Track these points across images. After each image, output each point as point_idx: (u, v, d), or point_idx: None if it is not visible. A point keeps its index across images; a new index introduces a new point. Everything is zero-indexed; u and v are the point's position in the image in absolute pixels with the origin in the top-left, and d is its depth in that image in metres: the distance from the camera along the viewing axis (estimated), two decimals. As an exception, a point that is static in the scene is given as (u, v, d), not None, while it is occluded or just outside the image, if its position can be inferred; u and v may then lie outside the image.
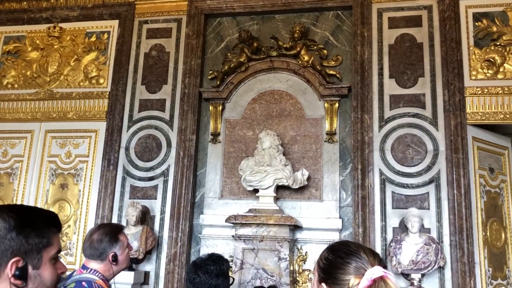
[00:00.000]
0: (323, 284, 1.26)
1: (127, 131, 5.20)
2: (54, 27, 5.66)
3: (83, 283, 2.15)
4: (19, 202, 5.20)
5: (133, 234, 4.59)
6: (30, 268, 1.16)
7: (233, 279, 2.30)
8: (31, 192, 5.24)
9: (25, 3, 5.81)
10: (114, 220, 4.94)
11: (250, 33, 5.09)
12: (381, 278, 1.17)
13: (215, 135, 5.07)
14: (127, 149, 5.15)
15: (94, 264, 2.34)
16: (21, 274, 1.13)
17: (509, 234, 4.58)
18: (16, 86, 5.62)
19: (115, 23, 5.53)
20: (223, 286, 2.09)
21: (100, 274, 2.31)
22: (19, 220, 1.16)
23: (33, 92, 5.53)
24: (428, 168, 4.42)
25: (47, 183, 5.26)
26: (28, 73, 5.63)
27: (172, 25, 5.39)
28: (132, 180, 5.06)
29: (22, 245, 1.14)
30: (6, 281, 1.11)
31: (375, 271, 1.18)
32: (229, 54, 5.22)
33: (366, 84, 4.71)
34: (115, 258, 2.32)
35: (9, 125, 5.48)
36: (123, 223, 4.83)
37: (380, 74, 4.72)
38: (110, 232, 2.43)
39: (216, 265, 2.15)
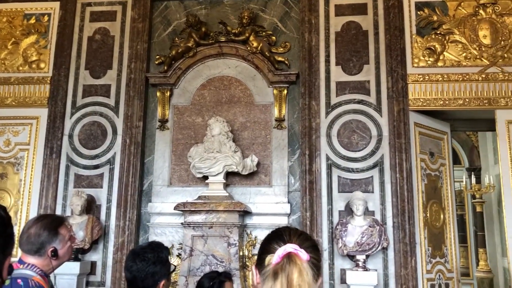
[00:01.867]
0: (253, 267, 1.28)
1: (71, 117, 5.01)
2: (-11, 7, 5.33)
3: (19, 280, 2.04)
4: (-47, 194, 4.91)
5: (78, 224, 4.46)
6: None
7: (174, 266, 2.27)
8: (-33, 182, 4.96)
9: (-44, -19, 5.43)
10: (58, 210, 4.77)
11: (198, 18, 5.02)
12: (289, 255, 1.19)
13: (163, 121, 4.99)
14: (70, 136, 4.97)
15: (31, 259, 2.22)
16: None
17: (447, 215, 4.82)
18: None
19: (56, 5, 5.27)
20: (161, 273, 2.06)
21: (38, 269, 2.19)
22: None
23: (-33, 77, 5.20)
24: (372, 153, 4.56)
25: (-16, 173, 5.00)
26: (-39, 56, 5.29)
27: (116, 8, 5.21)
28: (77, 169, 4.90)
29: None
30: None
31: (286, 248, 1.20)
32: (176, 39, 5.12)
33: (314, 71, 4.77)
34: (54, 253, 2.20)
35: None
36: (68, 213, 4.68)
37: (327, 61, 4.79)
38: (49, 225, 2.29)
39: (154, 253, 2.11)
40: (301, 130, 4.71)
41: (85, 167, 4.88)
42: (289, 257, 1.19)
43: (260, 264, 1.25)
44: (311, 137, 4.63)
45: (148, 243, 2.30)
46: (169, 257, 2.11)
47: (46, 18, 5.29)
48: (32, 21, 5.29)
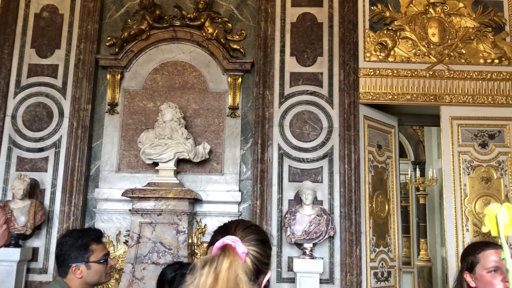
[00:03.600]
0: None
1: (14, 98, 4.77)
2: None
3: None
4: None
5: (20, 209, 4.29)
6: None
7: (105, 254, 2.22)
8: None
9: None
10: (-2, 194, 4.56)
11: (152, 0, 4.88)
12: (225, 247, 1.17)
13: (113, 105, 4.85)
14: (13, 117, 4.74)
15: None
16: None
17: (392, 206, 5.00)
18: None
19: (0, -23, 4.98)
20: (73, 257, 2.03)
21: None
22: None
23: None
24: (323, 143, 4.64)
25: None
26: None
27: (66, -15, 4.99)
28: (20, 151, 4.68)
29: None
30: None
31: (224, 240, 1.19)
32: (129, 21, 4.97)
33: (269, 60, 4.77)
34: None
35: None
36: (9, 197, 4.49)
37: (282, 51, 4.81)
38: None
39: (74, 235, 2.11)
40: (254, 119, 4.71)
41: (29, 150, 4.68)
42: (224, 249, 1.16)
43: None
44: (264, 126, 4.65)
45: (83, 228, 2.30)
46: (93, 244, 2.07)
47: (-12, -9, 4.99)
48: (-26, -7, 4.98)
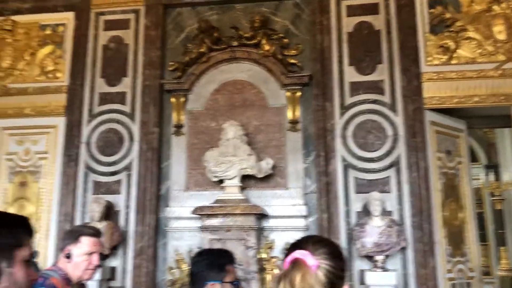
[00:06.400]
0: None
1: (87, 125, 5.08)
2: (6, 20, 5.44)
3: (40, 278, 2.12)
4: (-24, 203, 5.01)
5: (98, 230, 4.52)
6: (3, 265, 1.18)
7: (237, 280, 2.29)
8: (-12, 192, 5.06)
9: (-27, -5, 5.56)
10: (78, 217, 4.85)
11: (210, 23, 5.06)
12: (295, 260, 1.21)
13: (178, 127, 5.03)
14: (88, 144, 5.04)
15: (60, 262, 2.33)
16: None
17: (466, 213, 4.77)
18: (-33, 82, 5.39)
19: (71, 15, 5.36)
20: (210, 276, 2.13)
21: (62, 272, 2.26)
22: None
23: (-14, 88, 5.31)
24: (388, 152, 4.53)
25: (5, 181, 5.10)
26: (-20, 68, 5.40)
27: (130, 16, 5.28)
28: (95, 176, 4.96)
29: None
30: None
31: (294, 254, 1.23)
32: (189, 45, 5.16)
33: (327, 72, 4.77)
34: (68, 256, 2.29)
35: (-38, 124, 5.25)
36: (87, 219, 4.75)
37: (340, 62, 4.79)
38: (72, 231, 2.47)
39: (210, 256, 2.26)
40: (315, 131, 4.70)
41: (103, 174, 4.95)
42: (295, 263, 1.21)
43: None
44: (326, 138, 4.63)
45: (218, 249, 2.53)
46: (229, 266, 2.18)
47: (61, 28, 5.38)
48: (48, 31, 5.39)
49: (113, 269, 4.70)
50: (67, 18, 5.38)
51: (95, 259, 2.34)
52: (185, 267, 4.60)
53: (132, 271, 4.65)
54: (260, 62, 5.01)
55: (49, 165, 5.05)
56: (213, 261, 2.17)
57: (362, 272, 4.31)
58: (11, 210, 4.84)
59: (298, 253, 1.22)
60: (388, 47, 4.75)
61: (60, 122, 5.11)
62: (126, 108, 5.07)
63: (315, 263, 1.20)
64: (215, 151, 4.67)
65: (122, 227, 4.78)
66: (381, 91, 4.67)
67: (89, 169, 4.98)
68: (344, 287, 1.26)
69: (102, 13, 5.33)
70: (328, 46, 4.82)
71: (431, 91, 4.58)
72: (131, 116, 5.04)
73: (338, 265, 1.26)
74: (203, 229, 4.43)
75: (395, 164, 4.50)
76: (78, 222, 4.81)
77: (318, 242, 1.29)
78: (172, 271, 4.69)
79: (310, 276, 1.17)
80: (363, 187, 4.51)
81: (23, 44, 5.41)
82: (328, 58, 4.79)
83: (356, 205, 4.49)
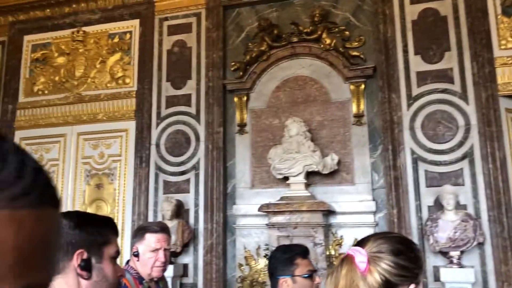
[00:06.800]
0: None
1: (156, 128, 5.28)
2: (78, 31, 5.78)
3: None
4: (58, 204, 5.36)
5: (170, 228, 4.69)
6: (93, 261, 1.28)
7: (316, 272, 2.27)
8: (68, 194, 5.40)
9: (48, 10, 5.94)
10: (150, 216, 5.05)
11: (270, 21, 5.07)
12: (345, 257, 1.21)
13: (242, 125, 5.10)
14: (157, 145, 5.24)
15: (131, 261, 2.34)
16: (86, 265, 1.25)
17: (550, 206, 4.44)
18: (46, 92, 5.78)
19: (136, 22, 5.60)
20: (280, 270, 2.15)
21: (134, 271, 2.28)
22: (81, 219, 1.32)
23: (62, 97, 5.67)
24: (461, 143, 4.32)
25: (83, 184, 5.42)
26: (57, 78, 5.78)
27: (191, 20, 5.41)
28: (165, 176, 5.15)
29: (85, 240, 1.27)
30: (73, 272, 1.24)
31: (348, 250, 1.23)
32: (250, 44, 5.21)
33: (391, 62, 4.62)
34: (136, 253, 2.29)
35: (43, 131, 5.64)
36: (159, 218, 4.93)
37: (405, 51, 4.63)
38: (138, 230, 2.44)
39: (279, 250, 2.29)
40: (382, 125, 4.58)
41: (172, 174, 5.12)
42: (344, 259, 1.21)
43: None
44: (393, 131, 4.49)
45: (290, 244, 2.58)
46: (298, 259, 2.20)
47: (128, 36, 5.63)
48: (116, 40, 5.66)
49: (185, 266, 4.86)
50: (133, 25, 5.62)
51: (162, 255, 2.28)
52: (254, 264, 4.66)
53: (203, 267, 4.78)
54: (321, 56, 4.96)
55: (122, 167, 5.31)
56: (281, 256, 2.18)
57: (436, 268, 4.15)
58: (89, 211, 5.14)
59: (351, 250, 1.21)
60: (456, 33, 4.52)
61: (131, 126, 5.35)
62: (192, 110, 5.21)
63: (362, 260, 1.16)
64: (278, 148, 4.69)
65: (192, 225, 4.92)
66: (450, 80, 4.46)
67: (159, 169, 5.17)
68: (407, 285, 1.18)
69: (166, 19, 5.51)
70: (392, 35, 4.67)
71: (505, 76, 4.30)
72: (196, 117, 5.17)
73: (397, 263, 1.17)
74: (270, 226, 4.46)
75: (468, 156, 4.28)
76: (151, 221, 5.01)
77: (380, 238, 1.24)
78: (242, 267, 4.77)
79: (354, 272, 1.15)
80: (434, 180, 4.33)
81: (94, 53, 5.72)
82: (392, 48, 4.65)
83: (428, 199, 4.32)
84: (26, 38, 5.99)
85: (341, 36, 4.93)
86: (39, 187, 0.42)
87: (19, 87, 5.87)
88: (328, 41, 4.87)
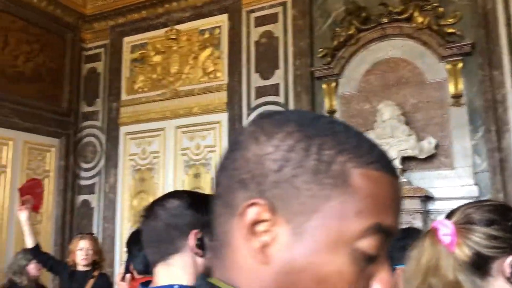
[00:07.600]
0: None
1: (247, 118, 5.42)
2: (171, 30, 6.09)
3: None
4: (160, 194, 5.75)
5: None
6: (206, 241, 1.31)
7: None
8: (169, 184, 5.76)
9: (143, 12, 6.32)
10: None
11: (357, 4, 4.94)
12: (429, 230, 1.12)
13: (331, 112, 5.04)
14: (250, 137, 5.36)
15: None
16: (201, 244, 1.28)
17: None
18: (145, 89, 6.18)
19: (225, 17, 5.77)
20: None
21: None
22: (194, 199, 1.35)
23: (160, 93, 6.03)
24: None
25: (182, 174, 5.74)
26: (154, 76, 6.15)
27: (278, 9, 5.45)
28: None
29: (199, 220, 1.29)
30: (189, 251, 1.27)
31: (433, 223, 1.13)
32: (337, 29, 5.12)
33: (492, 37, 4.29)
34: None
35: (144, 126, 6.05)
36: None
37: (508, 24, 4.27)
38: None
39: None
40: (483, 104, 4.29)
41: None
42: (427, 233, 1.13)
43: None
44: (497, 110, 4.18)
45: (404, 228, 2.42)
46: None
47: (217, 31, 5.82)
48: (206, 35, 5.88)
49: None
50: (222, 20, 5.80)
51: None
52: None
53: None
54: (414, 36, 4.73)
55: (217, 157, 5.54)
56: (395, 243, 2.10)
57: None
58: (189, 199, 5.44)
59: (436, 222, 1.11)
60: None
61: (223, 117, 5.55)
62: (280, 99, 5.27)
63: (446, 232, 1.06)
64: (371, 133, 4.58)
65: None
66: (563, 51, 4.04)
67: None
68: (509, 257, 1.05)
69: (252, 11, 5.61)
70: (492, 8, 4.33)
71: None
72: (285, 106, 5.22)
73: (490, 234, 1.05)
74: (365, 213, 4.40)
75: None
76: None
77: (471, 207, 1.11)
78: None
79: (437, 248, 1.06)
80: (547, 162, 3.98)
81: (186, 50, 6.00)
82: (492, 21, 4.31)
83: (539, 183, 3.98)
84: (126, 40, 6.43)
85: (435, 14, 4.66)
86: (385, 158, 0.56)
87: (121, 86, 6.34)
88: (420, 19, 4.64)
